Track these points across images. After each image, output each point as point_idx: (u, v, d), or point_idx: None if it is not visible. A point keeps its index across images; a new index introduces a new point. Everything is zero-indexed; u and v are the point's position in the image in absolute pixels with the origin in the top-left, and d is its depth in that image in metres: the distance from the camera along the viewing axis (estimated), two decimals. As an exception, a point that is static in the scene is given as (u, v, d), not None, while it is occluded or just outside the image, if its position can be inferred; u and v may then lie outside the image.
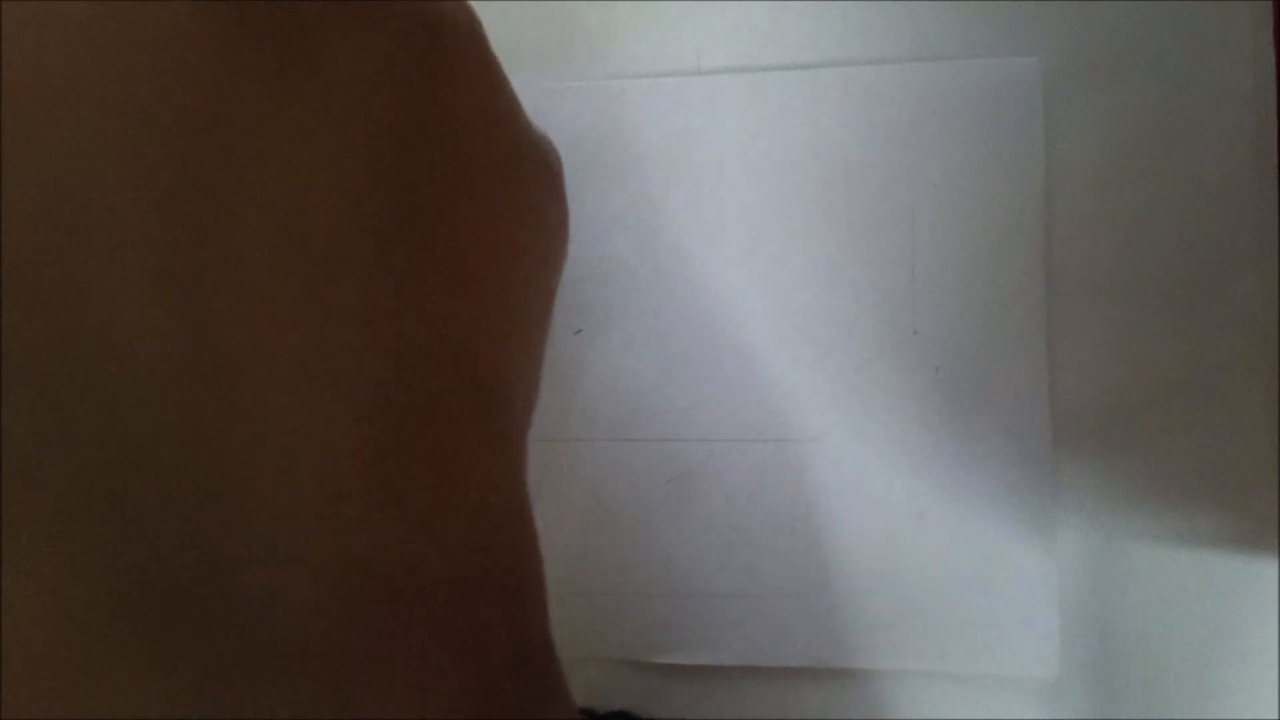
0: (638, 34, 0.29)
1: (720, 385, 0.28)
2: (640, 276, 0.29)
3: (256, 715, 0.10)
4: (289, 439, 0.11)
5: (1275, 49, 0.27)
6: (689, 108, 0.29)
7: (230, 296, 0.11)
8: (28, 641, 0.10)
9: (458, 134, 0.14)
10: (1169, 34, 0.27)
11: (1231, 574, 0.26)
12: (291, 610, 0.11)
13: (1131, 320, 0.27)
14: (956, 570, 0.27)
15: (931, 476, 0.27)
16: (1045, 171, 0.28)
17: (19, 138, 0.10)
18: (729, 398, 0.28)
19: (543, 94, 0.29)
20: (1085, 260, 0.28)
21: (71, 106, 0.10)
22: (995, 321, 0.28)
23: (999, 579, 0.27)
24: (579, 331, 0.27)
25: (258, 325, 0.11)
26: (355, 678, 0.11)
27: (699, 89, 0.29)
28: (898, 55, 0.28)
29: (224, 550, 0.10)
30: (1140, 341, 0.27)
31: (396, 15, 0.13)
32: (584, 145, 0.29)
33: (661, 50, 0.29)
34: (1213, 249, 0.27)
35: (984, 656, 0.27)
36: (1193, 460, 0.27)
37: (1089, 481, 0.27)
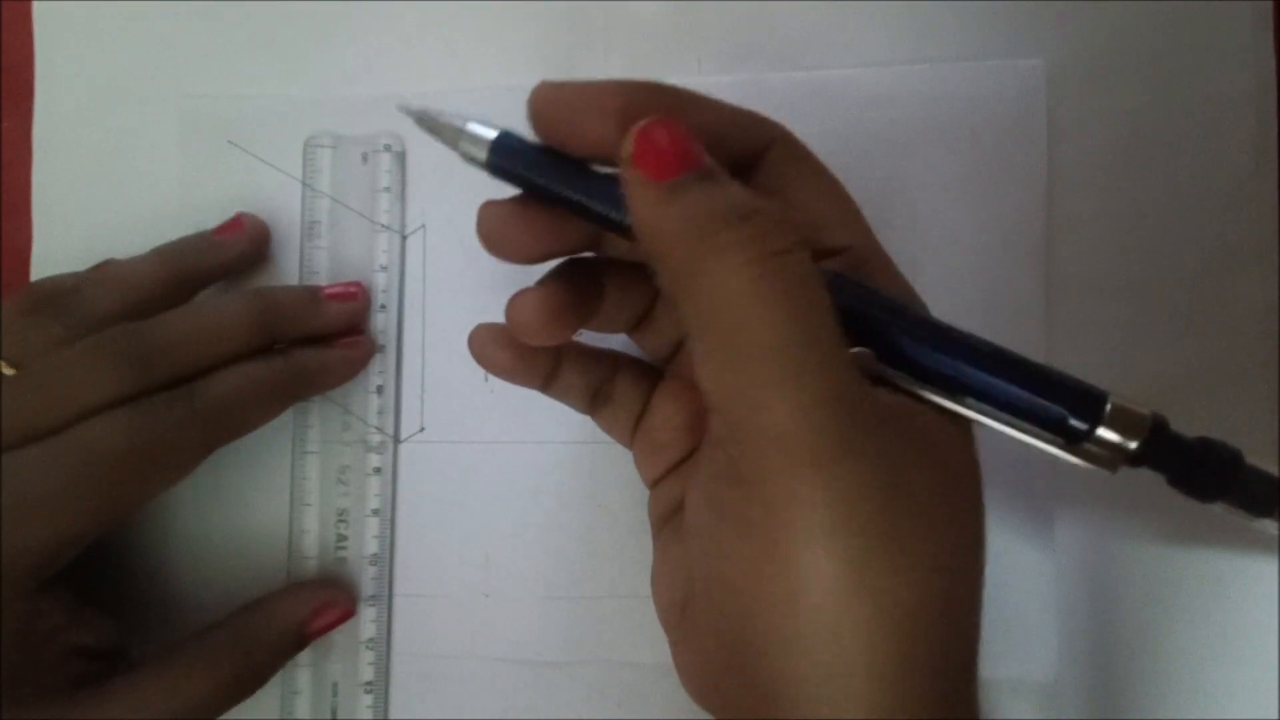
0: (638, 37, 0.30)
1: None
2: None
3: None
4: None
5: (1275, 49, 0.27)
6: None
7: None
8: None
9: None
10: (1171, 36, 0.27)
11: (1231, 574, 0.26)
12: None
13: (1131, 320, 0.27)
14: (956, 570, 0.27)
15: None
16: (1047, 172, 0.28)
17: None
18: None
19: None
20: (1085, 260, 0.28)
21: None
22: (995, 323, 0.28)
23: (998, 580, 0.27)
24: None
25: None
26: None
27: (700, 92, 0.29)
28: (901, 57, 0.28)
29: None
30: (1140, 341, 0.27)
31: None
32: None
33: (663, 53, 0.29)
34: (1213, 249, 0.27)
35: (982, 658, 0.27)
36: (1193, 460, 0.27)
37: (1089, 481, 0.27)
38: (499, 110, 0.30)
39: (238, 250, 0.29)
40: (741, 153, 0.20)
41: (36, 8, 0.31)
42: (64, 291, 0.26)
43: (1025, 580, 0.27)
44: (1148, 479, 0.19)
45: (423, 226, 0.30)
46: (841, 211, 0.21)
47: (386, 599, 0.29)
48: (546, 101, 0.19)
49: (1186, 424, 0.27)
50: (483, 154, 0.19)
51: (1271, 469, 0.18)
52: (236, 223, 0.29)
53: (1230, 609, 0.26)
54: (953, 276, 0.28)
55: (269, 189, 0.30)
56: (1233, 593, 0.26)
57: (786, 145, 0.20)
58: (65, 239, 0.31)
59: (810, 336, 0.16)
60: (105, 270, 0.27)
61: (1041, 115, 0.28)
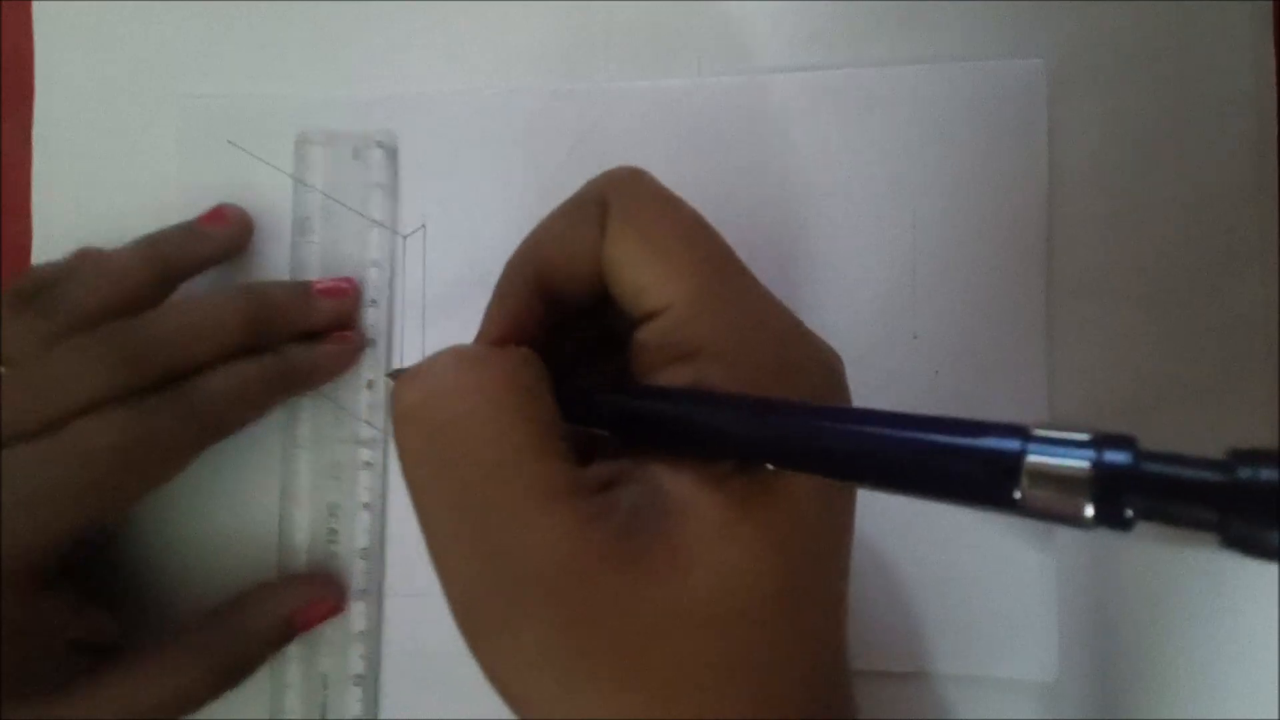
0: (639, 37, 0.30)
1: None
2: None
3: None
4: None
5: (1275, 49, 0.27)
6: (691, 111, 0.29)
7: None
8: None
9: None
10: (1171, 36, 0.27)
11: (1231, 574, 0.26)
12: None
13: (1132, 320, 0.27)
14: (956, 572, 0.27)
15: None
16: (1048, 172, 0.28)
17: None
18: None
19: (547, 96, 0.29)
20: (1086, 260, 0.28)
21: None
22: (995, 323, 0.28)
23: (999, 580, 0.27)
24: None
25: None
26: None
27: (701, 92, 0.29)
28: (901, 57, 0.28)
29: None
30: (1140, 342, 0.27)
31: None
32: (585, 148, 0.29)
33: (663, 53, 0.29)
34: (1213, 249, 0.27)
35: (983, 658, 0.27)
36: (1193, 461, 0.27)
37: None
38: (498, 111, 0.30)
39: (222, 240, 0.29)
40: (582, 255, 0.20)
41: (36, 8, 0.31)
42: (46, 285, 0.26)
43: (1025, 580, 0.27)
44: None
45: (423, 226, 0.30)
46: (663, 266, 0.20)
47: (377, 593, 0.29)
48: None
49: (1186, 424, 0.27)
50: None
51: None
52: (219, 213, 0.29)
53: (1230, 609, 0.26)
54: (953, 276, 0.28)
55: (265, 186, 0.30)
56: (1233, 593, 0.26)
57: (616, 211, 0.20)
58: (65, 239, 0.31)
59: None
60: (87, 261, 0.27)
61: (1042, 115, 0.28)
